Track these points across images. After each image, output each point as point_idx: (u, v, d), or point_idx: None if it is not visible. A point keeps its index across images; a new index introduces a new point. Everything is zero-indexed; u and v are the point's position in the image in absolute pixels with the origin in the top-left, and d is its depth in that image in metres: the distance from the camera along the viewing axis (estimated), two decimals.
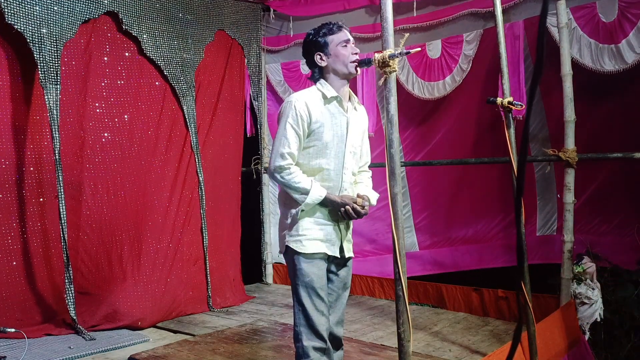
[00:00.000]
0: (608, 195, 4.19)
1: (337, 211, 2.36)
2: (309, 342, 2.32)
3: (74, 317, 3.91)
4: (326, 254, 2.39)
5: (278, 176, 2.35)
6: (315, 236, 2.36)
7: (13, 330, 3.51)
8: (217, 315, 4.61)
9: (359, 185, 2.55)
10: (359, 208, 2.36)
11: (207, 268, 4.81)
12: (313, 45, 2.41)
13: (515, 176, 2.99)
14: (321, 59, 2.39)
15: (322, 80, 2.42)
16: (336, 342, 2.48)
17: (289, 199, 2.40)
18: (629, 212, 4.14)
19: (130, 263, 4.32)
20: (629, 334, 3.67)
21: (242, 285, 5.21)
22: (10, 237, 3.88)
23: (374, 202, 2.54)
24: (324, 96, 2.38)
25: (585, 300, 3.63)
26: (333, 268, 2.48)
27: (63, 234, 3.90)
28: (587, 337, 3.63)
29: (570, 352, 3.44)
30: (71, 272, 3.94)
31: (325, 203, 2.35)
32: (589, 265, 3.75)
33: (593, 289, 3.67)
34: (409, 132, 5.02)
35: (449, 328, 4.05)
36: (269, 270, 5.81)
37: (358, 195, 2.41)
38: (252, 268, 5.75)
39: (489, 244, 4.87)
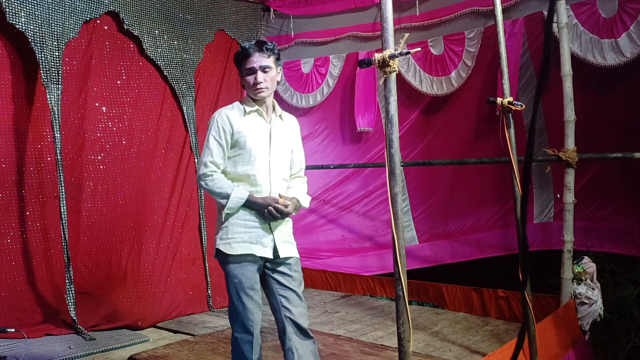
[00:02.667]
0: (604, 182, 4.20)
1: (262, 213, 2.49)
2: (239, 335, 2.50)
3: (74, 317, 3.91)
4: (255, 255, 2.49)
5: (202, 183, 2.54)
6: (243, 239, 2.49)
7: (13, 330, 3.51)
8: (217, 315, 4.61)
9: (290, 190, 2.65)
10: (281, 207, 2.49)
11: (207, 268, 4.81)
12: (235, 64, 2.63)
13: (519, 178, 2.99)
14: (240, 82, 2.62)
15: (246, 96, 2.62)
16: (303, 333, 2.56)
17: (220, 205, 2.55)
18: (624, 199, 4.15)
19: (130, 263, 4.32)
20: (629, 334, 3.66)
21: None
22: (10, 237, 3.88)
23: (305, 204, 2.65)
24: (244, 110, 2.57)
25: (585, 300, 3.63)
26: (274, 268, 2.56)
27: (64, 234, 3.90)
28: (587, 337, 3.63)
29: (570, 352, 3.44)
30: (72, 272, 3.93)
31: (250, 205, 2.50)
32: (589, 265, 3.75)
33: (593, 289, 3.67)
34: (404, 127, 5.02)
35: (449, 328, 4.05)
36: None
37: (280, 196, 2.54)
38: None
39: (487, 233, 4.87)
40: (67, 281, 3.92)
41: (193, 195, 4.78)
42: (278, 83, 2.68)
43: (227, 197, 2.47)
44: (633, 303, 3.80)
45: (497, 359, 2.82)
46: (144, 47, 4.44)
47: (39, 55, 3.82)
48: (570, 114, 3.68)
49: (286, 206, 2.50)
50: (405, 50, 2.01)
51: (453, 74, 4.61)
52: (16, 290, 3.89)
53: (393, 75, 2.03)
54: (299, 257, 2.64)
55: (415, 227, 5.21)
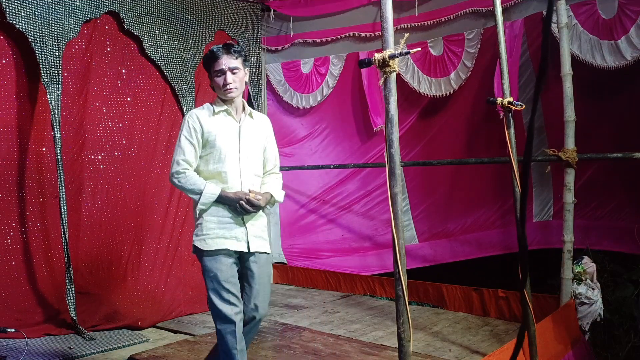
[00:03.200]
0: (603, 181, 4.20)
1: (235, 207, 2.58)
2: (222, 327, 2.56)
3: (74, 317, 3.91)
4: (229, 249, 2.59)
5: (175, 180, 2.63)
6: (217, 234, 2.59)
7: (13, 330, 3.51)
8: None
9: (264, 186, 2.74)
10: (253, 200, 2.57)
11: None
12: (204, 66, 2.71)
13: (519, 178, 2.99)
14: (210, 79, 2.70)
15: (216, 98, 2.72)
16: (252, 322, 2.68)
17: (194, 202, 2.63)
18: (623, 198, 4.16)
19: (130, 263, 4.32)
20: (629, 334, 3.66)
21: None
22: (10, 237, 3.88)
23: (279, 198, 2.75)
24: (214, 110, 2.68)
25: (585, 300, 3.63)
26: (245, 263, 2.66)
27: (64, 234, 3.89)
28: (587, 337, 3.63)
29: (571, 352, 3.44)
30: (72, 272, 3.93)
31: (222, 200, 2.58)
32: (589, 265, 3.75)
33: (593, 289, 3.67)
34: (403, 127, 5.02)
35: (449, 328, 4.05)
36: None
37: (250, 191, 2.62)
38: None
39: (487, 232, 4.87)
40: (67, 281, 3.92)
41: None
42: (246, 83, 2.80)
43: (199, 193, 2.57)
44: (633, 303, 3.80)
45: (497, 359, 2.82)
46: (144, 47, 4.44)
47: (39, 55, 3.82)
48: (570, 114, 3.68)
49: (257, 198, 2.59)
50: (405, 50, 2.01)
51: (452, 75, 4.61)
52: (16, 290, 3.89)
53: (393, 75, 2.03)
54: (270, 253, 2.75)
55: (415, 227, 5.21)
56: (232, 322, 2.54)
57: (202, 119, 2.65)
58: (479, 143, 4.79)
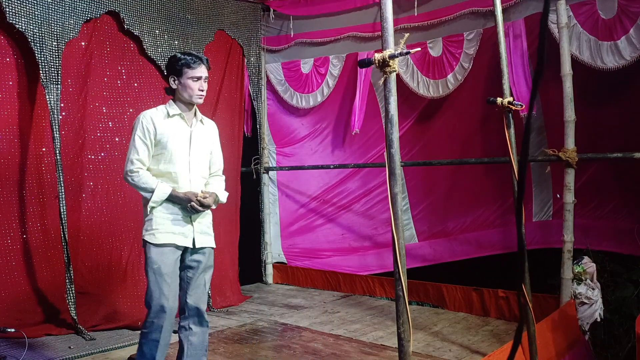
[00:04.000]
0: (603, 181, 4.20)
1: (185, 207, 2.76)
2: (156, 318, 2.72)
3: (74, 317, 3.91)
4: (177, 245, 2.76)
5: (129, 179, 2.80)
6: (167, 229, 2.76)
7: (13, 330, 3.51)
8: (217, 315, 4.61)
9: (208, 186, 2.93)
10: (202, 200, 2.76)
11: None
12: (172, 68, 2.82)
13: (517, 178, 2.99)
14: (174, 82, 2.82)
15: (171, 100, 2.88)
16: (199, 318, 2.87)
17: (145, 200, 2.80)
18: (622, 198, 4.15)
19: (130, 263, 4.32)
20: (629, 334, 3.66)
21: (238, 285, 5.21)
22: (10, 237, 3.88)
23: (223, 199, 2.94)
24: (168, 113, 2.84)
25: (585, 300, 3.63)
26: (190, 256, 2.83)
27: (64, 234, 3.90)
28: (587, 337, 3.63)
29: (570, 352, 3.44)
30: (72, 272, 3.93)
31: (173, 199, 2.76)
32: (589, 265, 3.75)
33: (593, 289, 3.67)
34: (403, 127, 5.02)
35: (449, 328, 4.05)
36: (269, 270, 5.81)
37: (202, 192, 2.82)
38: (252, 268, 5.75)
39: (486, 231, 4.87)
40: (67, 281, 3.92)
41: None
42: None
43: (151, 191, 2.73)
44: (633, 303, 3.80)
45: (497, 359, 2.82)
46: (145, 46, 4.44)
47: (39, 55, 3.82)
48: (570, 114, 3.68)
49: (205, 198, 2.77)
50: (405, 51, 2.00)
51: (450, 77, 4.60)
52: (16, 290, 3.89)
53: (393, 75, 2.03)
54: (214, 247, 2.93)
55: (415, 226, 5.21)
56: (165, 314, 2.71)
57: (156, 120, 2.79)
58: (478, 143, 4.79)
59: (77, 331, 3.93)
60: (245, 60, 5.41)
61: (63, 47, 3.96)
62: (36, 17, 3.81)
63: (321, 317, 4.46)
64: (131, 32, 4.38)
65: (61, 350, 3.61)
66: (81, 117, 4.17)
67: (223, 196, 2.94)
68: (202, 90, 2.84)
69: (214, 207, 2.88)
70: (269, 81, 5.74)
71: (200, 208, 2.76)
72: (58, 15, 3.93)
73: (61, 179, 3.90)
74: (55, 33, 3.90)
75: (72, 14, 4.01)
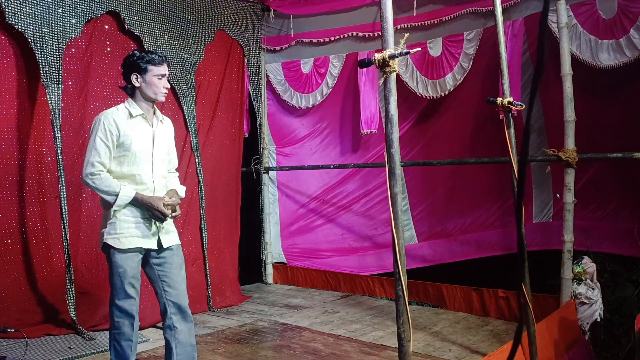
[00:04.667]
0: (603, 182, 4.19)
1: (151, 213, 2.73)
2: (120, 319, 2.73)
3: (74, 317, 3.91)
4: (142, 247, 2.75)
5: (89, 181, 2.71)
6: (131, 233, 2.72)
7: (13, 330, 3.51)
8: (217, 315, 4.61)
9: (167, 184, 2.93)
10: (169, 202, 2.76)
11: (207, 268, 4.81)
12: (134, 66, 2.77)
13: (516, 178, 2.99)
14: (137, 79, 2.78)
15: (130, 100, 2.83)
16: (183, 315, 2.83)
17: (105, 202, 2.75)
18: (623, 199, 4.15)
19: None
20: (629, 334, 3.66)
21: (238, 285, 5.21)
22: (10, 237, 3.88)
23: (182, 194, 2.95)
24: (130, 114, 2.79)
25: (585, 300, 3.63)
26: (156, 255, 2.82)
27: (65, 234, 3.89)
28: (587, 337, 3.63)
29: (570, 352, 3.44)
30: (72, 272, 3.93)
31: (136, 203, 2.72)
32: (589, 265, 3.75)
33: (593, 289, 3.67)
34: (404, 127, 5.02)
35: (449, 328, 4.05)
36: (269, 270, 5.81)
37: (166, 195, 2.81)
38: (252, 268, 5.75)
39: (486, 232, 4.87)
40: (67, 281, 3.92)
41: (194, 195, 4.78)
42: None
43: (115, 194, 2.68)
44: (633, 303, 3.80)
45: (497, 359, 2.82)
46: (145, 46, 4.44)
47: (39, 55, 3.82)
48: (570, 114, 3.68)
49: (172, 197, 2.79)
50: (405, 51, 2.00)
51: (448, 77, 4.61)
52: (16, 290, 3.89)
53: (393, 75, 2.03)
54: (179, 243, 2.91)
55: (415, 226, 5.21)
56: (132, 316, 2.73)
57: (118, 121, 2.75)
58: (479, 143, 4.79)
59: (77, 331, 3.93)
60: (246, 60, 5.41)
61: (64, 47, 3.96)
62: (36, 18, 3.81)
63: (321, 317, 4.46)
64: (132, 32, 4.38)
65: (61, 350, 3.61)
66: (81, 117, 4.17)
67: (182, 191, 2.95)
68: (166, 88, 2.83)
69: (178, 213, 2.84)
70: (268, 81, 5.74)
71: (166, 212, 2.73)
72: (58, 16, 3.93)
73: (62, 179, 3.90)
74: (55, 33, 3.90)
75: (73, 14, 4.01)
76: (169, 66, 2.86)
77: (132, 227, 2.72)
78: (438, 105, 4.91)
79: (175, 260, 2.85)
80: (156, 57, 2.78)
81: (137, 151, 2.75)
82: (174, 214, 2.79)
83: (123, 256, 2.71)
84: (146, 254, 2.80)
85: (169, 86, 2.84)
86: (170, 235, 2.86)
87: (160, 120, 2.92)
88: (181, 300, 2.82)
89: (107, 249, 2.73)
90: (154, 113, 2.89)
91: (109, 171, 2.75)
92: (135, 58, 2.77)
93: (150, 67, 2.76)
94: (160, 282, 2.82)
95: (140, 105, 2.81)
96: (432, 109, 4.98)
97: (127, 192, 2.70)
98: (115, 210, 2.71)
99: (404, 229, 2.18)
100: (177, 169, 3.11)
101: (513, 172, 3.03)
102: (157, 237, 2.78)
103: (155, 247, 2.78)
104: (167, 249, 2.83)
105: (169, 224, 2.87)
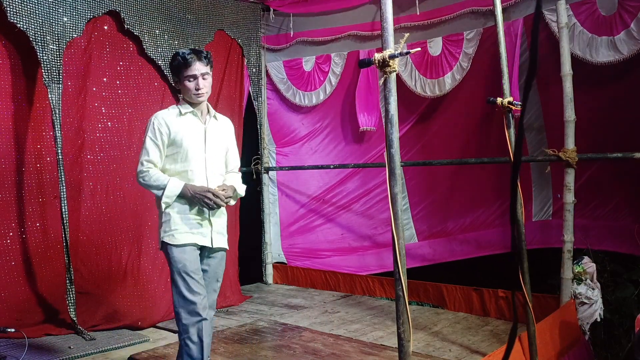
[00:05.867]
0: (602, 180, 4.19)
1: (200, 203, 2.69)
2: (188, 319, 2.64)
3: (74, 317, 3.91)
4: (197, 244, 2.74)
5: (140, 180, 2.76)
6: (185, 230, 2.72)
7: (13, 330, 3.51)
8: (217, 315, 4.60)
9: (225, 181, 2.88)
10: (220, 194, 2.71)
11: None
12: (172, 69, 2.81)
13: (510, 179, 2.99)
14: (177, 83, 2.81)
15: (181, 100, 2.85)
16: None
17: (158, 200, 2.74)
18: (622, 197, 4.15)
19: (130, 263, 4.32)
20: (629, 334, 3.66)
21: (238, 285, 5.21)
22: (10, 237, 3.88)
23: (241, 192, 2.92)
24: (180, 112, 2.80)
25: (585, 300, 3.63)
26: (205, 259, 2.83)
27: (65, 234, 3.89)
28: (587, 337, 3.63)
29: (570, 352, 3.44)
30: (72, 272, 3.93)
31: (186, 193, 2.69)
32: (589, 265, 3.74)
33: (593, 289, 3.67)
34: (403, 127, 5.02)
35: (449, 328, 4.05)
36: (269, 270, 5.81)
37: (218, 187, 2.76)
38: (252, 268, 5.75)
39: (486, 231, 4.86)
40: (67, 281, 3.92)
41: None
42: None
43: (163, 187, 2.68)
44: (633, 303, 3.80)
45: (497, 359, 2.82)
46: (144, 46, 4.44)
47: (40, 55, 3.82)
48: (570, 114, 3.68)
49: (224, 190, 2.74)
50: (405, 50, 2.00)
51: (447, 77, 4.61)
52: (16, 290, 3.89)
53: (393, 75, 2.02)
54: (226, 249, 2.92)
55: (415, 225, 5.21)
56: (200, 315, 2.64)
57: (168, 120, 2.76)
58: (478, 142, 4.79)
59: (77, 331, 3.93)
60: (245, 60, 5.41)
61: (64, 46, 3.96)
62: (37, 17, 3.81)
63: (321, 317, 4.46)
64: (131, 32, 4.38)
65: (61, 350, 3.61)
66: (80, 117, 4.17)
67: (241, 189, 2.91)
68: (199, 89, 2.75)
69: (232, 202, 2.83)
70: (270, 80, 5.73)
71: (217, 200, 2.69)
72: (60, 15, 3.93)
73: (62, 179, 3.90)
74: (56, 33, 3.90)
75: (74, 14, 4.01)
76: (209, 62, 2.77)
77: (186, 224, 2.72)
78: (438, 104, 4.91)
79: (218, 272, 2.88)
80: (183, 58, 2.72)
81: (189, 148, 2.74)
82: (225, 201, 2.74)
83: (180, 251, 2.69)
84: (200, 252, 2.80)
85: (202, 86, 2.75)
86: (221, 236, 2.85)
87: (214, 117, 2.89)
88: (208, 314, 2.76)
89: (165, 247, 2.73)
90: (208, 111, 2.88)
91: (164, 170, 2.77)
92: (171, 60, 2.79)
93: (181, 70, 2.73)
94: None
95: (190, 104, 2.82)
96: (432, 109, 4.98)
97: (174, 183, 2.69)
98: (166, 204, 2.70)
99: (404, 229, 2.18)
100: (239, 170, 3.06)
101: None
102: (209, 235, 2.78)
103: (209, 245, 2.78)
104: (214, 254, 2.85)
105: (222, 226, 2.86)
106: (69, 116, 4.10)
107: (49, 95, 3.86)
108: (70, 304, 3.91)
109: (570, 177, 3.72)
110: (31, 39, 3.78)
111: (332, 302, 4.96)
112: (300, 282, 5.63)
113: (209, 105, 2.89)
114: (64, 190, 3.90)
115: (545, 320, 3.35)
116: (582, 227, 4.03)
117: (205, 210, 2.74)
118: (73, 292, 3.92)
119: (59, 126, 3.89)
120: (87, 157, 4.20)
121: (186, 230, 2.71)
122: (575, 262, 3.74)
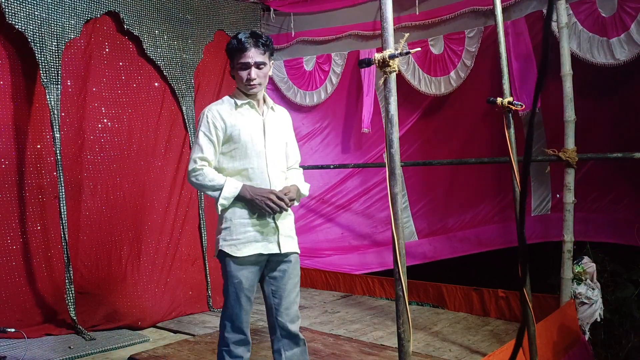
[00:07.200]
0: (601, 173, 4.19)
1: (260, 206, 2.41)
2: (230, 335, 2.48)
3: (74, 317, 3.91)
4: (261, 254, 2.47)
5: (193, 179, 2.47)
6: (249, 238, 2.45)
7: (13, 330, 3.50)
8: (217, 315, 4.60)
9: (287, 180, 2.61)
10: (283, 197, 2.43)
11: (207, 268, 4.81)
12: (227, 53, 2.52)
13: (519, 178, 2.99)
14: (232, 70, 2.55)
15: (236, 89, 2.57)
16: (293, 339, 2.56)
17: (215, 202, 2.48)
18: (620, 190, 4.15)
19: (129, 263, 4.32)
20: (629, 334, 3.66)
21: None
22: (10, 237, 3.88)
23: (305, 192, 2.63)
24: (235, 103, 2.52)
25: (585, 300, 3.63)
26: (274, 265, 2.55)
27: (64, 234, 3.89)
28: (587, 337, 3.63)
29: (570, 352, 3.44)
30: (72, 272, 3.93)
31: (245, 195, 2.41)
32: (589, 265, 3.74)
33: (593, 289, 3.67)
34: (403, 126, 5.01)
35: (449, 328, 4.04)
36: None
37: (283, 189, 2.48)
38: None
39: (486, 227, 4.86)
40: (67, 281, 3.92)
41: (193, 195, 4.77)
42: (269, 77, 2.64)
43: (220, 188, 2.41)
44: (633, 303, 3.80)
45: (497, 359, 2.81)
46: (144, 47, 4.44)
47: (39, 56, 3.82)
48: (570, 114, 3.68)
49: (286, 193, 2.46)
50: (405, 50, 2.00)
51: (452, 74, 4.61)
52: (16, 290, 3.89)
53: (393, 75, 2.02)
54: (299, 252, 2.63)
55: (414, 223, 5.21)
56: (244, 333, 2.50)
57: (223, 113, 2.49)
58: (478, 141, 4.79)
59: (77, 331, 3.93)
60: None
61: (63, 47, 3.96)
62: (36, 18, 3.81)
63: (321, 317, 4.46)
64: (131, 33, 4.38)
65: (61, 350, 3.61)
66: (80, 117, 4.17)
67: (305, 189, 2.62)
68: (253, 80, 2.44)
69: (296, 203, 2.55)
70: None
71: (281, 203, 2.41)
72: (58, 16, 3.92)
73: (61, 179, 3.90)
74: (55, 33, 3.90)
75: (73, 14, 4.01)
76: (267, 49, 2.46)
77: (249, 231, 2.44)
78: (439, 104, 4.91)
79: (293, 277, 2.57)
80: (236, 43, 2.42)
81: (248, 142, 2.46)
82: (289, 204, 2.47)
83: (240, 267, 2.45)
84: (265, 264, 2.53)
85: (255, 76, 2.44)
86: (290, 240, 2.55)
87: (271, 108, 2.60)
88: (292, 325, 2.54)
89: (223, 256, 2.48)
90: (264, 101, 2.59)
91: (221, 169, 2.50)
92: (227, 44, 2.49)
93: (233, 56, 2.46)
94: (272, 299, 2.56)
95: (246, 94, 2.53)
96: (433, 108, 4.97)
97: (232, 183, 2.41)
98: (223, 206, 2.44)
99: (404, 229, 2.17)
100: (300, 165, 2.77)
101: (513, 172, 3.02)
102: (276, 240, 2.48)
103: (277, 251, 2.48)
104: (286, 260, 2.54)
105: (290, 228, 2.57)
106: (69, 116, 4.10)
107: (47, 96, 3.86)
108: (70, 304, 3.91)
109: (570, 177, 3.71)
110: (29, 40, 3.78)
111: (332, 302, 4.95)
112: (300, 282, 5.61)
113: (266, 95, 2.61)
114: (63, 190, 3.90)
115: (545, 320, 3.35)
116: (581, 220, 4.03)
117: (268, 212, 2.44)
118: (73, 292, 3.93)
119: (57, 127, 3.89)
120: (87, 157, 4.20)
121: (250, 239, 2.44)
122: (575, 262, 3.74)
